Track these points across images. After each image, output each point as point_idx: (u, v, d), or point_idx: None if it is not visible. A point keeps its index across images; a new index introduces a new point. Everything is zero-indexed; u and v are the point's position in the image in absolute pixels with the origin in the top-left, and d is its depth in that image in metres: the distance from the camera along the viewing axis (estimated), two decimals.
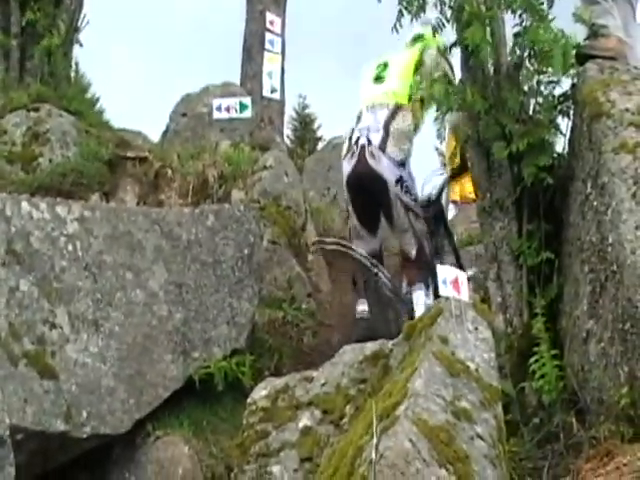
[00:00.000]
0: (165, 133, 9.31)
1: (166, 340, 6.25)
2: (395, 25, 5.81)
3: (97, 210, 6.44)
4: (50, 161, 7.52)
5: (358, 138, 7.01)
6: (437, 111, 5.93)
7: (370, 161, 6.94)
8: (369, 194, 7.01)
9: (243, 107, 8.64)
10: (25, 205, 6.08)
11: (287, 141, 12.71)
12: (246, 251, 6.96)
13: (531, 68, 5.62)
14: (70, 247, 6.15)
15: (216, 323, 6.54)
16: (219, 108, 8.61)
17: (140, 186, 7.76)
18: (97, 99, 9.06)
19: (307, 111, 13.67)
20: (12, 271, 5.69)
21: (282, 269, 7.74)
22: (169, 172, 7.96)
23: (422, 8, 5.74)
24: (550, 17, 5.58)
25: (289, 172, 8.48)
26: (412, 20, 5.82)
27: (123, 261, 6.34)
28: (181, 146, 8.50)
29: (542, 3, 5.59)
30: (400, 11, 5.76)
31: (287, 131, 13.40)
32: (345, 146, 7.17)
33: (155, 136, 9.39)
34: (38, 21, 8.79)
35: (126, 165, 7.87)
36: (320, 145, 15.65)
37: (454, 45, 5.85)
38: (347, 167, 7.07)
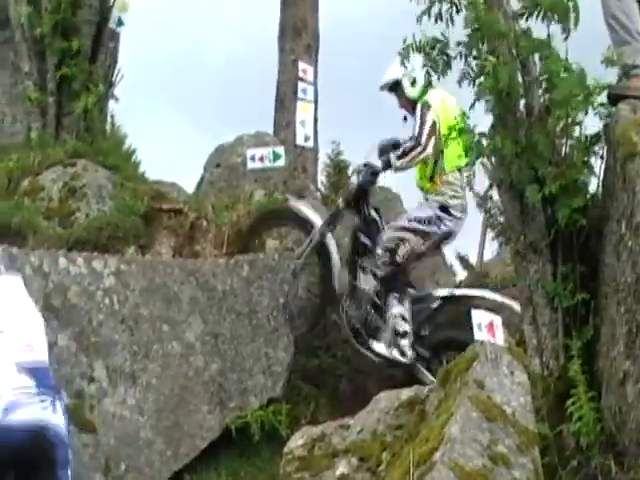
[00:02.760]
0: (199, 184, 9.42)
1: (202, 391, 6.31)
2: (426, 85, 5.93)
3: (133, 263, 6.58)
4: (86, 215, 7.65)
5: None
6: (467, 157, 5.98)
7: None
8: None
9: (276, 156, 8.72)
10: (62, 260, 6.24)
11: (321, 187, 12.77)
12: (281, 300, 7.02)
13: (557, 111, 5.65)
14: (107, 301, 6.28)
15: (252, 372, 6.60)
16: (253, 158, 8.69)
17: (175, 238, 7.86)
18: (132, 152, 9.20)
19: (341, 157, 13.78)
20: (50, 326, 5.77)
21: None
22: (204, 223, 8.05)
23: (448, 65, 5.82)
24: (562, 51, 5.62)
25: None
26: (439, 79, 5.92)
27: (159, 313, 6.45)
28: (215, 197, 8.59)
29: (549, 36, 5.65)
30: (427, 72, 5.85)
31: (321, 178, 13.45)
32: None
33: (190, 187, 9.51)
34: (74, 77, 8.98)
35: (161, 217, 7.97)
36: None
37: (478, 98, 5.89)
38: None
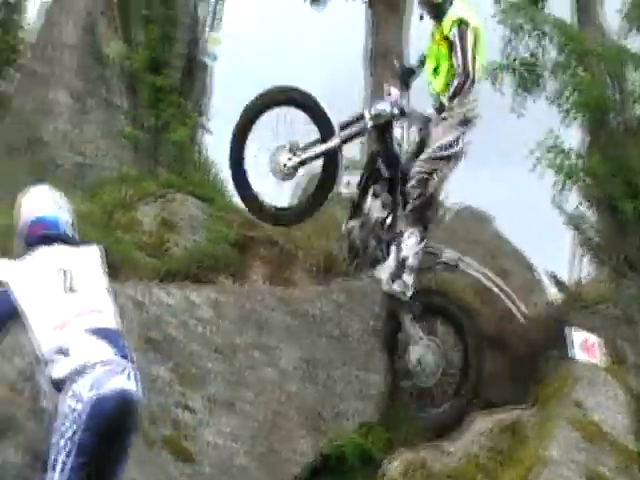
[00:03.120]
0: None
1: (296, 416, 6.32)
2: None
3: (227, 293, 6.64)
4: (179, 246, 7.76)
5: None
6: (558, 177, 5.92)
7: None
8: None
9: None
10: (157, 292, 6.32)
11: None
12: (372, 322, 7.00)
13: None
14: (202, 331, 6.33)
15: (345, 397, 6.58)
16: (344, 184, 8.70)
17: (267, 265, 7.91)
18: (223, 182, 9.29)
19: None
20: (147, 358, 5.89)
21: None
22: (295, 250, 8.09)
23: (537, 83, 5.78)
24: None
25: None
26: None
27: (253, 341, 6.49)
28: (307, 224, 8.60)
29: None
30: None
31: None
32: None
33: None
34: (166, 111, 9.14)
35: (253, 245, 8.03)
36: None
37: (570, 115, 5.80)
38: None
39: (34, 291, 4.71)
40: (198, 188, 8.59)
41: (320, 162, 7.36)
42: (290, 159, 7.22)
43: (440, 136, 7.12)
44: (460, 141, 7.07)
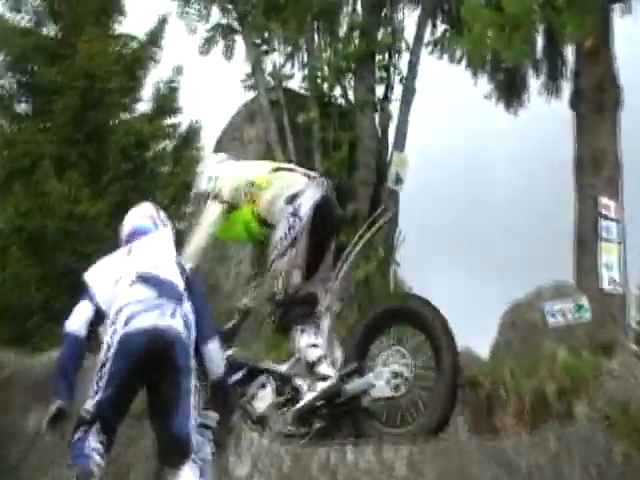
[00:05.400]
0: (494, 347, 9.34)
1: None
2: None
3: (425, 448, 6.57)
4: None
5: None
6: None
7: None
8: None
9: (580, 309, 8.57)
10: (350, 455, 6.35)
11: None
12: (594, 472, 6.75)
13: None
14: None
15: None
16: (553, 314, 8.58)
17: (471, 412, 7.81)
18: None
19: None
20: None
21: None
22: (502, 392, 7.96)
23: None
24: None
25: (637, 375, 8.18)
26: None
27: None
28: (514, 360, 8.47)
29: None
30: None
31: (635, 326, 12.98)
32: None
33: (484, 351, 9.45)
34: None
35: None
36: None
37: None
38: (316, 192, 7.14)
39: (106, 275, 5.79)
40: None
41: None
42: None
43: None
44: None
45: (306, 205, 7.07)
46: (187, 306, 5.67)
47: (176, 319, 5.53)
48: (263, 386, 7.02)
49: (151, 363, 5.45)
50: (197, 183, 7.59)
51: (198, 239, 7.16)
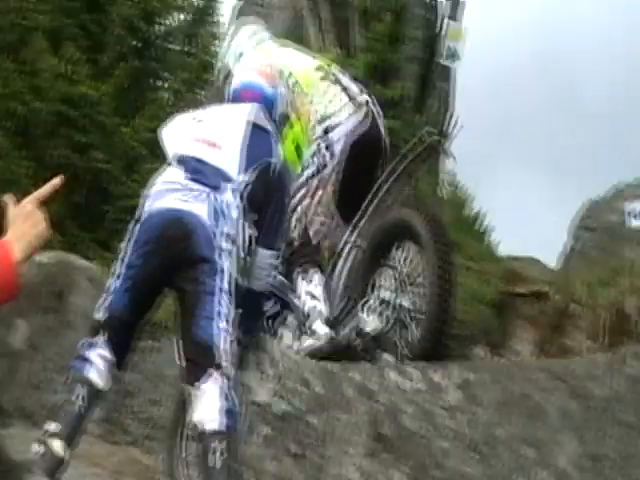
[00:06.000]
0: (566, 255, 9.27)
1: None
2: None
3: (482, 371, 6.54)
4: None
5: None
6: None
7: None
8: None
9: None
10: (392, 375, 6.28)
11: None
12: None
13: None
14: (451, 422, 6.25)
15: None
16: (635, 214, 8.49)
17: (537, 330, 7.77)
18: (475, 220, 9.20)
19: None
20: (380, 460, 5.92)
21: None
22: (574, 307, 7.91)
23: None
24: None
25: None
26: None
27: (519, 433, 6.36)
28: (588, 270, 8.42)
29: None
30: None
31: None
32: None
33: (553, 260, 9.37)
34: (397, 131, 9.15)
35: (517, 304, 7.92)
36: None
37: None
38: (358, 125, 7.01)
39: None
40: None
41: None
42: None
43: None
44: None
45: (342, 141, 6.97)
46: (229, 196, 5.53)
47: (201, 205, 5.42)
48: (285, 321, 6.99)
49: (168, 255, 5.37)
50: (222, 54, 7.43)
51: None
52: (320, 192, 6.94)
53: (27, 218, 2.72)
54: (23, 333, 6.85)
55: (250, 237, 5.62)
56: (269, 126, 5.88)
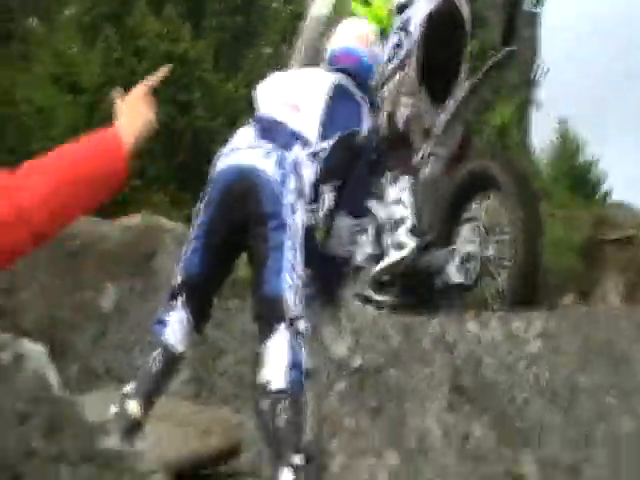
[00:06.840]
0: None
1: None
2: None
3: (564, 319, 6.43)
4: None
5: None
6: None
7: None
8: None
9: None
10: (472, 325, 6.24)
11: None
12: None
13: None
14: (532, 372, 6.19)
15: None
16: None
17: (625, 276, 7.59)
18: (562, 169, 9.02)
19: None
20: (460, 413, 5.90)
21: None
22: None
23: None
24: None
25: None
26: None
27: (603, 382, 6.25)
28: None
29: None
30: None
31: None
32: None
33: None
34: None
35: (607, 251, 7.74)
36: None
37: None
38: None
39: None
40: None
41: None
42: None
43: None
44: None
45: (417, 17, 6.85)
46: (300, 155, 5.53)
47: (267, 160, 5.40)
48: (365, 231, 6.86)
49: (235, 212, 5.36)
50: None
51: None
52: (402, 72, 6.87)
53: (135, 106, 2.81)
54: (112, 296, 6.97)
55: (330, 202, 5.66)
56: (358, 95, 5.89)
